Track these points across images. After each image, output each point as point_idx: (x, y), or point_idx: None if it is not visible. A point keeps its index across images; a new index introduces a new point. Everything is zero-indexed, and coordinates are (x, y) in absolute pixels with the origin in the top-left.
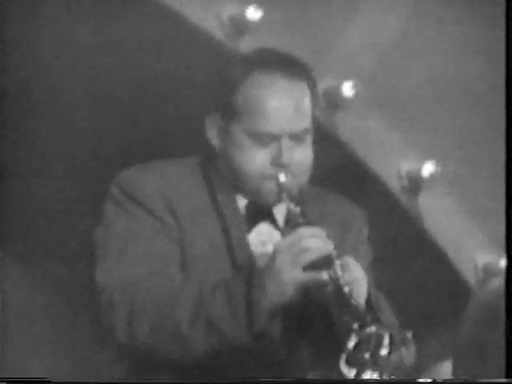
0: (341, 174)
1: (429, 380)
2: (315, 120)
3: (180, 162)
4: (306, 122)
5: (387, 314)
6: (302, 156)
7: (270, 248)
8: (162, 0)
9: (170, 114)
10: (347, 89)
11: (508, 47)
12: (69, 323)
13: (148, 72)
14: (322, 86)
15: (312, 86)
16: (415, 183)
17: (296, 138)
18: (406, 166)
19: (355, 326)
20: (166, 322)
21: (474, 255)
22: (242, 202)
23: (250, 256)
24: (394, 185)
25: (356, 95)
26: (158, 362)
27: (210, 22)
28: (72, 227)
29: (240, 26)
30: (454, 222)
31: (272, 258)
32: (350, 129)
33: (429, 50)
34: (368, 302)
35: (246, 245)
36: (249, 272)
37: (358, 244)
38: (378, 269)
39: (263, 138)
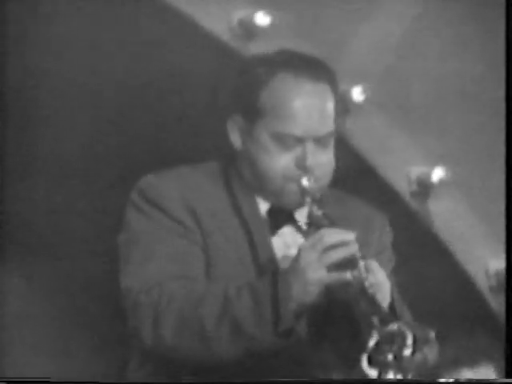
0: (351, 179)
1: (428, 380)
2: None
3: (200, 167)
4: (329, 126)
5: (406, 317)
6: (325, 159)
7: (293, 251)
8: (172, 2)
9: (176, 114)
10: (357, 94)
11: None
12: (71, 323)
13: (155, 74)
14: None
15: (335, 90)
16: (425, 188)
17: (320, 141)
18: (415, 171)
19: (376, 321)
20: (191, 324)
21: (486, 260)
22: (263, 206)
23: (273, 259)
24: (404, 190)
25: (366, 100)
26: (181, 365)
27: (220, 26)
28: (72, 228)
29: (249, 31)
30: (465, 227)
31: (296, 257)
32: (359, 133)
33: (438, 54)
34: (391, 307)
35: (270, 248)
36: (273, 272)
37: (381, 248)
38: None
39: (288, 141)
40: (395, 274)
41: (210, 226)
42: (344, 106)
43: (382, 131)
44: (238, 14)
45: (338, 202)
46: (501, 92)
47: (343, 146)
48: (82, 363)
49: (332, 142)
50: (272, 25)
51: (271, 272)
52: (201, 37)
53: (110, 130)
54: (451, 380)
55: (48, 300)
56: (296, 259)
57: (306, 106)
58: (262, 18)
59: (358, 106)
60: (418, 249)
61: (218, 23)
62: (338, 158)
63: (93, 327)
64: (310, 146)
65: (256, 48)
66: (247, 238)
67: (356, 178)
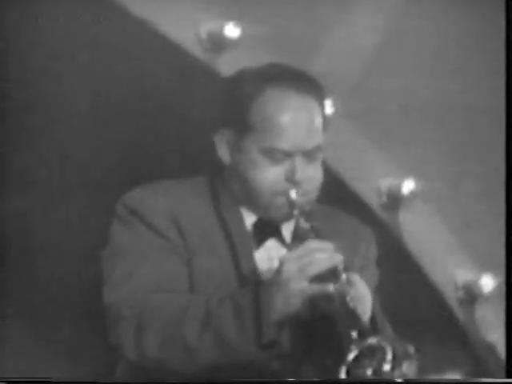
0: (320, 191)
1: (428, 380)
2: None
3: (186, 181)
4: (317, 140)
5: (387, 331)
6: (314, 173)
7: (276, 264)
8: (141, 15)
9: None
10: (327, 106)
11: (508, 50)
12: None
13: (123, 87)
14: None
15: (323, 104)
16: (395, 200)
17: (308, 155)
18: (385, 183)
19: (354, 334)
20: (174, 337)
21: (454, 273)
22: (249, 219)
23: (256, 272)
24: (374, 202)
25: (335, 112)
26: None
27: (190, 38)
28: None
29: (219, 43)
30: (434, 238)
31: (279, 269)
32: (329, 146)
33: (408, 66)
34: (372, 321)
35: (253, 261)
36: (255, 284)
37: (366, 262)
38: None
39: (277, 155)
40: (380, 290)
41: (195, 239)
42: None
43: (351, 143)
44: (207, 26)
45: (326, 216)
46: (469, 100)
47: None
48: (82, 363)
49: (320, 156)
50: (242, 37)
51: (253, 283)
52: (170, 49)
53: (96, 142)
54: (451, 380)
55: (48, 299)
56: (278, 271)
57: (295, 121)
58: (231, 30)
59: (328, 118)
60: (388, 261)
61: (187, 36)
62: None
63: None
64: (298, 160)
65: (226, 60)
66: (231, 252)
67: (326, 190)
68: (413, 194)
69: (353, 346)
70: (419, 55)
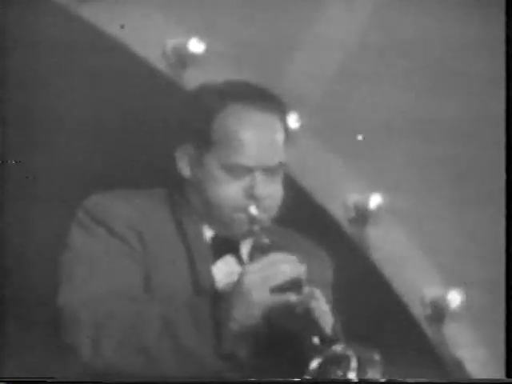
0: (287, 206)
1: (428, 380)
2: None
3: (147, 193)
4: (279, 157)
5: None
6: (274, 190)
7: (233, 279)
8: (106, 30)
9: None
10: (292, 120)
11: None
12: None
13: (87, 100)
14: None
15: (284, 120)
16: (362, 215)
17: (269, 171)
18: (352, 198)
19: (317, 342)
20: (131, 343)
21: (421, 288)
22: (208, 233)
23: (213, 286)
24: (341, 216)
25: (301, 126)
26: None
27: (154, 53)
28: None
29: (183, 58)
30: (401, 254)
31: (240, 279)
32: (295, 161)
33: (375, 79)
34: (333, 331)
35: (210, 275)
36: (214, 293)
37: (321, 286)
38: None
39: (237, 171)
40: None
41: (154, 248)
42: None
43: (317, 158)
44: (172, 42)
45: (282, 234)
46: (435, 114)
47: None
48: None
49: (281, 173)
50: (207, 51)
51: (213, 293)
52: (135, 64)
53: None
54: (451, 380)
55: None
56: (240, 281)
57: (257, 137)
58: (195, 45)
59: (294, 132)
60: (356, 276)
61: (152, 51)
62: None
63: None
64: (259, 176)
65: (191, 75)
66: (189, 264)
67: (292, 206)
68: (380, 208)
69: (316, 354)
70: (386, 69)
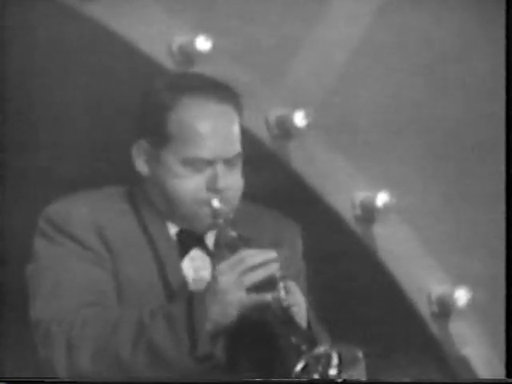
0: (294, 204)
1: (427, 380)
2: (265, 147)
3: (107, 191)
4: (237, 147)
5: (323, 336)
6: (235, 181)
7: (203, 274)
8: (112, 27)
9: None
10: (299, 118)
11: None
12: None
13: (94, 98)
14: (274, 114)
15: (239, 111)
16: (369, 213)
17: (229, 162)
18: (359, 196)
19: (304, 348)
20: (106, 351)
21: (428, 285)
22: (173, 230)
23: (183, 282)
24: (348, 214)
25: (308, 124)
26: None
27: (161, 51)
28: None
29: (190, 56)
30: (408, 251)
31: (214, 279)
32: (302, 158)
33: (381, 77)
34: (309, 327)
35: (180, 272)
36: (188, 295)
37: (293, 257)
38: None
39: (198, 164)
40: (310, 290)
41: (120, 250)
42: (285, 129)
43: (325, 156)
44: (179, 39)
45: (249, 217)
46: (439, 112)
47: (286, 172)
48: None
49: (240, 164)
50: (213, 49)
51: (186, 294)
52: (141, 62)
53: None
54: (450, 380)
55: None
56: (214, 281)
57: (213, 129)
58: (202, 43)
59: (301, 130)
60: (363, 274)
61: (158, 48)
62: (280, 184)
63: None
64: (220, 168)
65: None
66: (157, 262)
67: (299, 203)
68: (387, 206)
69: (300, 356)
70: (393, 67)
